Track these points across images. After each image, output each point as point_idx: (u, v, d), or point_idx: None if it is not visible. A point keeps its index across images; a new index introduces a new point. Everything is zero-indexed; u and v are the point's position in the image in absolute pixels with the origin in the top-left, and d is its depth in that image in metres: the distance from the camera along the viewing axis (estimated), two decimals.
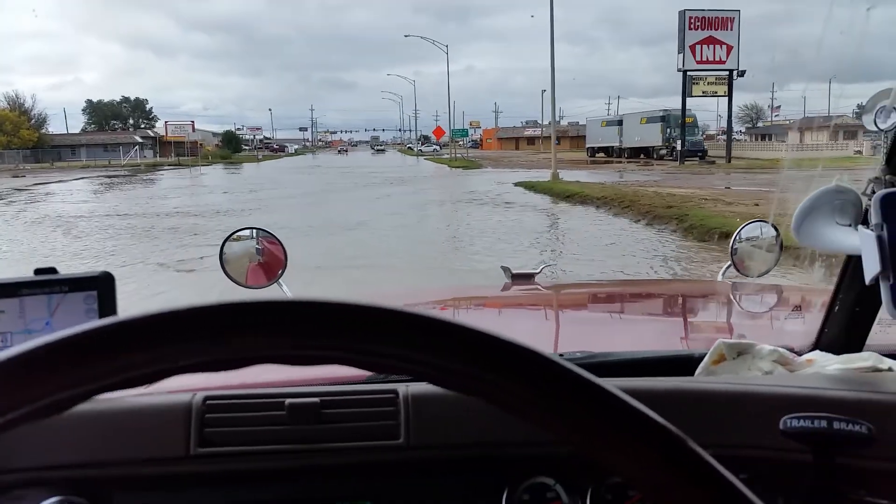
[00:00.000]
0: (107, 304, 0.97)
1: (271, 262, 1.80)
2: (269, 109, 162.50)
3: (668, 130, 45.86)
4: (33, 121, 79.55)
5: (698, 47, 36.43)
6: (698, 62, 36.63)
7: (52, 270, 0.96)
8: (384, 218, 16.70)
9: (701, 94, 37.99)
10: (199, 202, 22.77)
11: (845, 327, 1.22)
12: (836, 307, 1.23)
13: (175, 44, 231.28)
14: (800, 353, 1.19)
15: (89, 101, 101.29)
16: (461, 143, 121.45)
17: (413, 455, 0.97)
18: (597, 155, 58.99)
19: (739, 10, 35.42)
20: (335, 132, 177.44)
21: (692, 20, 36.21)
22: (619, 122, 54.24)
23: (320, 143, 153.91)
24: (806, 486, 0.95)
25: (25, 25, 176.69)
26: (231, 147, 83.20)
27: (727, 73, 36.87)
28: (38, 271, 0.96)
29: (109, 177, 42.15)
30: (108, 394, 0.37)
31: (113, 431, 0.95)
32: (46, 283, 0.94)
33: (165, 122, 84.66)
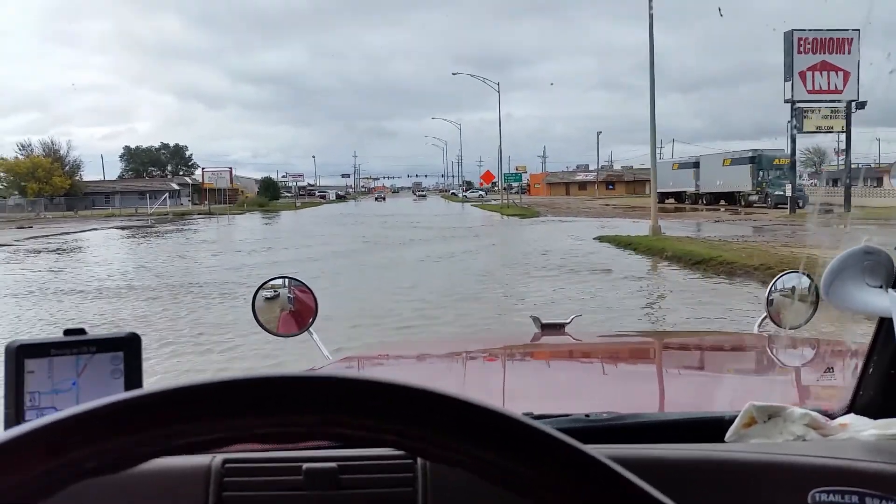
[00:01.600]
0: (132, 365, 0.97)
1: (302, 311, 1.79)
2: (313, 157, 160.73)
3: (760, 173, 39.63)
4: (67, 167, 77.09)
5: (809, 74, 30.22)
6: (810, 92, 30.35)
7: (82, 331, 0.97)
8: (439, 302, 10.92)
9: (814, 129, 31.64)
10: (174, 270, 17.44)
11: (880, 390, 1.17)
12: (871, 369, 1.18)
13: (224, 95, 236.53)
14: (833, 417, 1.15)
15: (127, 148, 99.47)
16: (514, 188, 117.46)
17: None
18: (666, 201, 52.84)
19: (859, 30, 29.11)
20: (377, 178, 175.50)
21: (802, 43, 29.99)
22: (696, 165, 48.00)
23: (363, 189, 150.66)
24: None
25: (83, 78, 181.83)
26: (269, 194, 79.08)
27: (844, 104, 30.56)
28: (67, 332, 0.96)
29: (123, 228, 37.71)
30: None
31: (131, 493, 0.93)
32: (75, 344, 0.95)
33: (202, 168, 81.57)
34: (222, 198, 73.39)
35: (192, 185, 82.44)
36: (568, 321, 2.19)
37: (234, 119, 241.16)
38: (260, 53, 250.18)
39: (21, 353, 0.92)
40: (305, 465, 0.97)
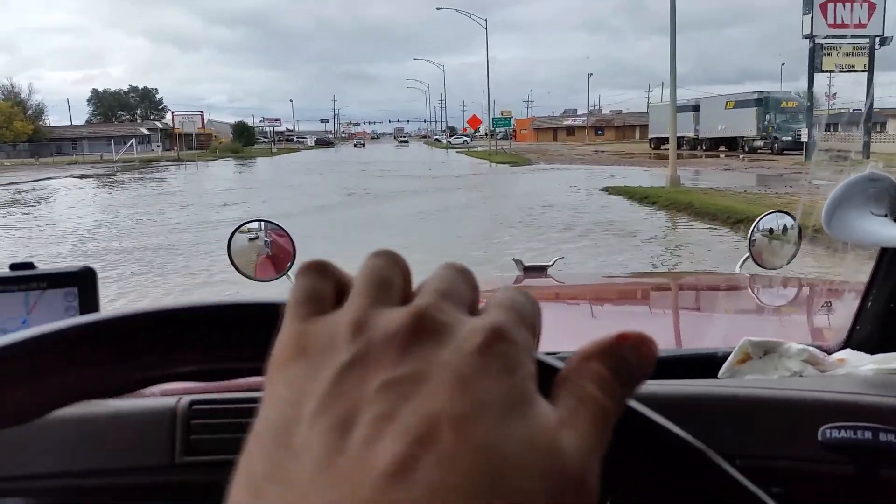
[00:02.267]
0: (88, 301, 0.92)
1: (280, 255, 1.78)
2: (290, 100, 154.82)
3: (767, 117, 37.20)
4: (30, 111, 72.86)
5: (831, 7, 27.44)
6: (832, 26, 27.63)
7: (30, 265, 0.92)
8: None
9: (834, 68, 29.05)
10: (126, 229, 14.95)
11: (879, 324, 1.15)
12: (870, 303, 1.15)
13: (198, 38, 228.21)
14: (829, 352, 1.12)
15: (94, 91, 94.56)
16: (499, 134, 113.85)
17: None
18: (662, 147, 50.40)
19: None
20: (358, 124, 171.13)
21: None
22: (695, 108, 45.32)
23: (343, 134, 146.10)
24: (845, 502, 0.89)
25: (53, 20, 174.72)
26: (243, 139, 75.26)
27: (868, 40, 27.97)
28: (13, 266, 0.91)
29: (82, 177, 34.71)
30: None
31: (93, 438, 0.89)
32: (23, 280, 0.90)
33: (172, 112, 77.47)
34: (195, 143, 70.06)
35: (163, 130, 78.52)
36: (551, 263, 2.21)
37: (209, 62, 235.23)
38: None
39: None
40: None
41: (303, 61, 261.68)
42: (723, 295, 2.17)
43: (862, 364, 1.05)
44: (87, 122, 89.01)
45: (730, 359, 1.09)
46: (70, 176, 35.01)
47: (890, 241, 0.97)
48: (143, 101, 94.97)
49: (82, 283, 0.93)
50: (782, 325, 1.69)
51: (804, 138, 28.16)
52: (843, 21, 27.63)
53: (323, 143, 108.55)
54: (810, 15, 27.64)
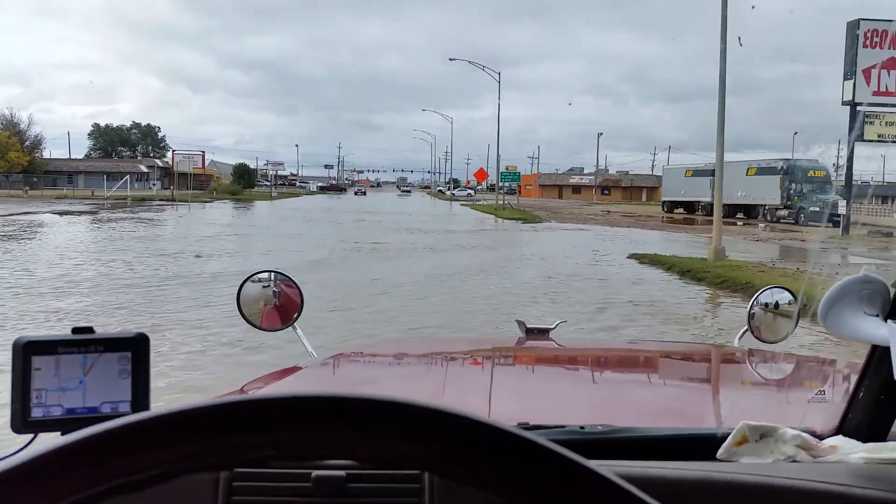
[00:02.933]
0: (140, 365, 0.97)
1: (287, 306, 1.79)
2: (296, 145, 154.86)
3: (793, 185, 35.32)
4: (27, 143, 71.37)
5: (875, 73, 25.64)
6: (876, 94, 25.71)
7: (90, 330, 0.97)
8: None
9: (876, 137, 27.16)
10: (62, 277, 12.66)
11: (869, 413, 1.20)
12: (861, 394, 1.21)
13: (211, 79, 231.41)
14: (822, 437, 1.19)
15: (96, 125, 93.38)
16: (503, 188, 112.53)
17: None
18: (675, 210, 48.54)
19: None
20: (361, 171, 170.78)
21: (869, 35, 25.38)
22: (713, 173, 43.58)
23: (347, 181, 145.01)
24: None
25: (69, 55, 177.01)
26: (243, 182, 73.39)
27: None
28: (75, 330, 0.96)
29: (63, 213, 32.52)
30: None
31: (142, 500, 0.90)
32: (83, 343, 0.95)
33: (172, 151, 76.04)
34: (193, 184, 68.37)
35: (163, 168, 76.99)
36: (553, 326, 2.22)
37: (219, 104, 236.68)
38: (248, 39, 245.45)
39: (29, 350, 0.92)
40: (314, 473, 0.97)
41: (311, 108, 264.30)
42: (721, 368, 2.20)
43: (853, 452, 1.10)
44: (86, 156, 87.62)
45: (728, 441, 1.13)
46: (50, 211, 32.83)
47: (880, 340, 1.03)
48: (145, 139, 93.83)
49: (136, 349, 0.96)
50: (778, 405, 1.73)
51: (840, 209, 26.01)
52: (887, 88, 25.84)
53: (333, 189, 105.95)
54: (852, 81, 25.83)
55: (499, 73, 49.08)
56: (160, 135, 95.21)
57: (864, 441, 1.13)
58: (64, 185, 67.21)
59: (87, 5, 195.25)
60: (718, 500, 0.94)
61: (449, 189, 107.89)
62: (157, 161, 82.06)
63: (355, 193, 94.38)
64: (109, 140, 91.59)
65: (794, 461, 1.09)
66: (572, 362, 2.17)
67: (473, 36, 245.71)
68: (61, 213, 31.78)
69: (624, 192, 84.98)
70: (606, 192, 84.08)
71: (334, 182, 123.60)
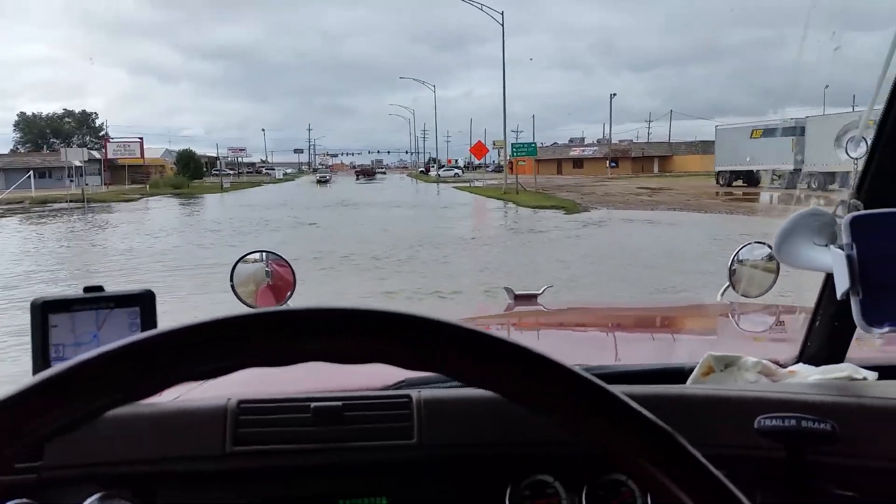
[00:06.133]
0: (147, 319, 1.05)
1: (280, 285, 1.84)
2: (262, 129, 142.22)
3: None
4: None
5: None
6: None
7: (100, 288, 1.04)
8: None
9: None
10: None
11: (826, 341, 1.29)
12: (817, 322, 1.30)
13: (178, 70, 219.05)
14: (784, 366, 1.26)
15: (22, 115, 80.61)
16: (490, 167, 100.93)
17: (425, 454, 1.04)
18: (734, 183, 37.95)
19: None
20: (335, 155, 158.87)
21: None
22: (798, 131, 32.67)
23: (321, 166, 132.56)
24: (781, 481, 1.03)
25: (34, 52, 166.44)
26: (188, 172, 61.34)
27: None
28: (87, 289, 1.03)
29: None
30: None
31: (155, 431, 1.02)
32: (94, 300, 1.03)
33: (105, 140, 64.20)
34: (128, 177, 56.93)
35: (108, 161, 65.01)
36: (540, 292, 2.29)
37: (188, 94, 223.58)
38: (214, 28, 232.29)
39: (45, 309, 1.00)
40: (313, 404, 1.05)
41: (281, 94, 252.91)
42: (699, 319, 2.36)
43: (809, 375, 1.20)
44: (12, 150, 75.19)
45: (695, 371, 1.24)
46: None
47: (829, 267, 1.10)
48: (81, 127, 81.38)
49: (143, 304, 1.05)
50: (745, 343, 1.84)
51: None
52: None
53: (365, 173, 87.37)
54: None
55: (502, 13, 38.02)
56: (97, 122, 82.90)
57: (821, 366, 1.24)
58: None
59: (48, 4, 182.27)
60: (679, 413, 1.03)
61: (430, 169, 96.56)
62: (95, 153, 69.90)
63: (317, 181, 73.42)
64: (39, 131, 79.06)
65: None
66: (558, 324, 2.26)
67: (439, 15, 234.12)
68: None
69: (634, 163, 74.35)
70: (614, 164, 73.31)
71: (367, 166, 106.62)
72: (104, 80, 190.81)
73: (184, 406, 1.06)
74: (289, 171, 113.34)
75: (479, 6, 37.71)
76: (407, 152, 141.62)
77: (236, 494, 1.05)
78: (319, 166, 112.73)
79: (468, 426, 1.06)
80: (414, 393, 1.10)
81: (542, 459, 1.06)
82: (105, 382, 0.43)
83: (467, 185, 52.57)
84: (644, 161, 74.50)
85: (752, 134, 36.54)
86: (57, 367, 0.43)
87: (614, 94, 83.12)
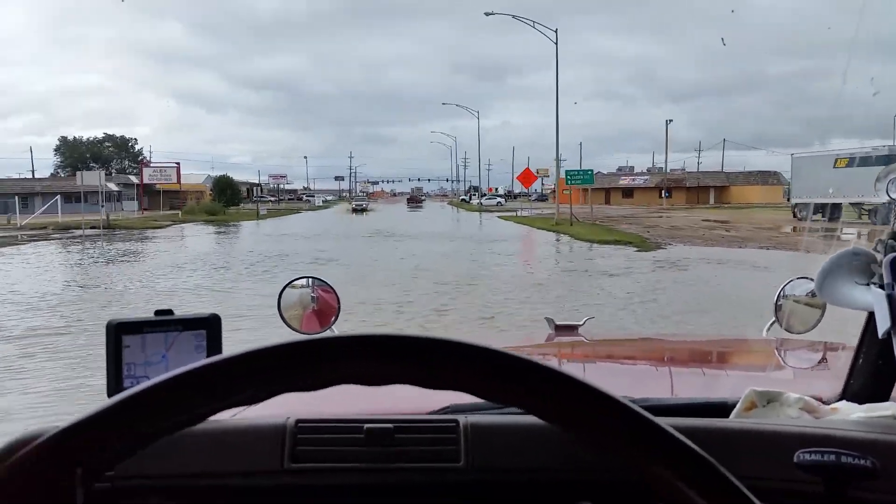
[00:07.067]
0: (213, 342, 1.09)
1: (325, 310, 1.85)
2: (304, 157, 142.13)
3: None
4: None
5: None
6: None
7: (170, 312, 1.08)
8: None
9: None
10: None
11: (870, 379, 1.29)
12: (860, 360, 1.30)
13: (225, 99, 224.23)
14: (827, 403, 1.26)
15: (63, 139, 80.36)
16: (532, 196, 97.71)
17: (471, 477, 1.07)
18: (813, 217, 33.94)
19: None
20: (376, 182, 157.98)
21: None
22: (889, 159, 28.73)
23: (361, 193, 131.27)
24: None
25: (86, 82, 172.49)
26: (224, 198, 59.24)
27: None
28: (157, 312, 1.08)
29: None
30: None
31: (216, 446, 1.07)
32: (164, 323, 1.07)
33: (141, 164, 63.09)
34: (163, 202, 55.43)
35: (145, 185, 63.81)
36: (581, 323, 2.27)
37: (235, 124, 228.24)
38: (259, 59, 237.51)
39: (119, 330, 1.05)
40: (366, 426, 1.09)
41: (324, 123, 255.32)
42: (744, 354, 2.32)
43: (852, 412, 1.18)
44: (52, 174, 74.82)
45: (738, 406, 1.24)
46: None
47: (870, 306, 1.11)
48: (120, 152, 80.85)
49: (210, 327, 1.08)
50: (790, 379, 1.83)
51: None
52: None
53: (413, 200, 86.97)
54: None
55: (556, 31, 35.08)
56: (136, 147, 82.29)
57: (865, 404, 1.21)
58: (10, 211, 54.18)
59: (102, 34, 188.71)
60: (721, 445, 1.00)
61: (472, 197, 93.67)
62: (133, 177, 68.88)
63: (353, 210, 68.38)
64: (80, 156, 78.69)
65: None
66: (599, 355, 2.27)
67: (478, 47, 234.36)
68: None
69: (689, 193, 70.28)
70: (667, 194, 69.32)
71: (414, 194, 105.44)
72: (153, 109, 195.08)
73: (243, 423, 1.10)
74: (329, 198, 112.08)
75: (531, 23, 34.87)
76: (447, 180, 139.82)
77: None
78: (360, 193, 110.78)
79: (513, 452, 1.08)
80: (461, 418, 1.13)
81: (586, 486, 1.06)
82: (170, 406, 0.48)
83: (513, 214, 49.46)
84: (699, 191, 70.40)
85: (835, 163, 32.59)
86: (134, 389, 0.49)
87: (670, 121, 79.53)
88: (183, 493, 1.03)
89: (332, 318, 1.80)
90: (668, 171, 78.47)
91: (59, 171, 77.33)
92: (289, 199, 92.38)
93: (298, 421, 1.10)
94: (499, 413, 1.17)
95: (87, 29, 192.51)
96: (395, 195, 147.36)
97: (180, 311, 1.08)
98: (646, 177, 75.44)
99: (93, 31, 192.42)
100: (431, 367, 0.49)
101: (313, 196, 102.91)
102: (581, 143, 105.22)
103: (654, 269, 15.86)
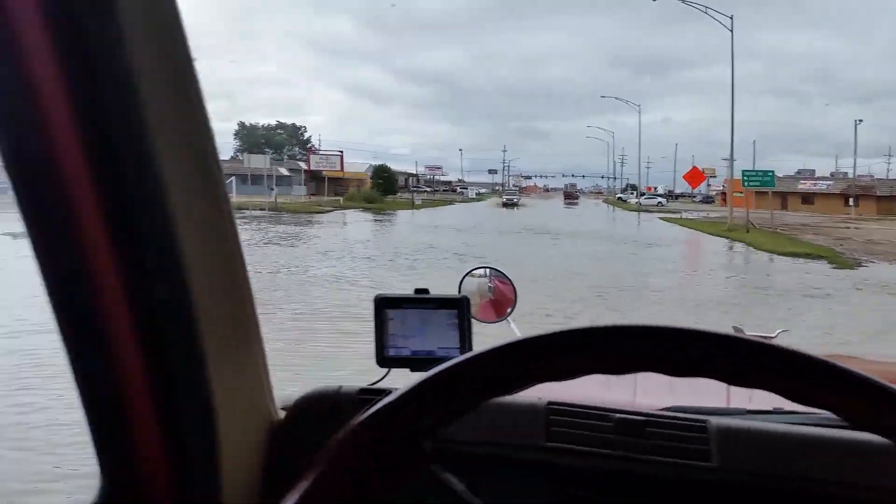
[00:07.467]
0: (464, 321, 1.19)
1: (501, 301, 1.90)
2: (460, 150, 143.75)
3: None
4: None
5: None
6: None
7: (426, 291, 1.20)
8: None
9: None
10: None
11: None
12: None
13: (391, 93, 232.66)
14: None
15: (241, 124, 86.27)
16: (696, 197, 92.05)
17: (723, 478, 1.07)
18: None
19: None
20: (529, 177, 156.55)
21: None
22: None
23: (514, 188, 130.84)
24: None
25: (265, 72, 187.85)
26: (382, 187, 61.00)
27: None
28: (416, 290, 1.20)
29: None
30: None
31: (484, 419, 1.14)
32: (422, 300, 1.19)
33: (309, 151, 66.22)
34: (327, 188, 57.73)
35: (307, 171, 67.18)
36: (774, 335, 2.16)
37: (399, 116, 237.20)
38: (423, 55, 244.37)
39: (382, 304, 1.19)
40: (617, 415, 1.12)
41: (479, 117, 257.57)
42: None
43: None
44: (231, 157, 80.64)
45: None
46: None
47: None
48: (291, 139, 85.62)
49: (461, 308, 1.19)
50: None
51: None
52: None
53: (570, 196, 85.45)
54: None
55: (731, 18, 32.16)
56: (305, 135, 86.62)
57: None
58: None
59: (280, 27, 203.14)
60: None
61: (629, 194, 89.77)
62: (301, 163, 72.71)
63: (503, 204, 64.45)
64: (255, 141, 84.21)
65: None
66: None
67: (638, 39, 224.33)
68: None
69: (879, 202, 62.86)
70: (854, 202, 62.41)
71: (570, 190, 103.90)
72: (324, 100, 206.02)
73: (502, 400, 1.13)
74: (482, 190, 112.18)
75: (704, 9, 32.14)
76: (602, 177, 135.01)
77: (544, 486, 1.13)
78: (512, 188, 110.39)
79: (765, 457, 1.07)
80: (710, 419, 1.12)
81: (843, 502, 1.02)
82: (496, 374, 0.53)
83: (676, 216, 46.37)
84: (892, 201, 62.76)
85: None
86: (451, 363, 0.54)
87: (860, 121, 71.52)
88: (455, 459, 1.04)
89: (508, 310, 1.81)
90: (855, 176, 70.73)
91: (237, 154, 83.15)
92: (443, 190, 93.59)
93: (549, 402, 1.15)
94: (742, 417, 1.16)
95: (266, 23, 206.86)
96: (547, 190, 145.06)
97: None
98: (829, 182, 68.45)
99: (270, 25, 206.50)
100: (739, 364, 0.51)
101: (466, 188, 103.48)
102: (754, 142, 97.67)
103: (855, 288, 13.64)
